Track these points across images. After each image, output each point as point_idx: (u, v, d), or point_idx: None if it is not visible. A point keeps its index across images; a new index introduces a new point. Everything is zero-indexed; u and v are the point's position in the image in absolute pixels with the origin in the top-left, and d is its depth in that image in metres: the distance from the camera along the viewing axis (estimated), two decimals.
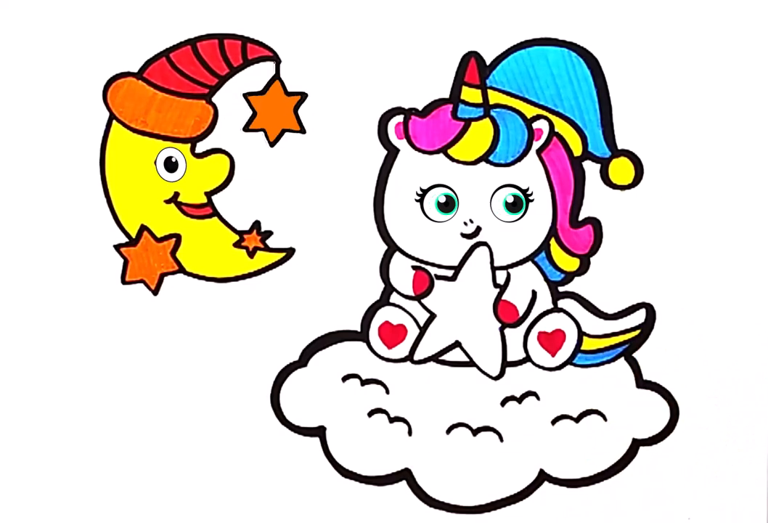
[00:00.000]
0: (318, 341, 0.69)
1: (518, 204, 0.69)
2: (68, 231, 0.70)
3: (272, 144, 0.69)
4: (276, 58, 0.69)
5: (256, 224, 0.70)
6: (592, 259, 0.69)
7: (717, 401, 0.69)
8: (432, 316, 0.69)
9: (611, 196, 0.69)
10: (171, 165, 0.70)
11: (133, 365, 0.70)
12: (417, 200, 0.69)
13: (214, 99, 0.70)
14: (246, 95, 0.69)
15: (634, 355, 0.69)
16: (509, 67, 0.68)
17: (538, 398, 0.69)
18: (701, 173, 0.68)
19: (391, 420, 0.69)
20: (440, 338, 0.69)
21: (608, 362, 0.69)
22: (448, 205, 0.69)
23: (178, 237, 0.70)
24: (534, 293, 0.69)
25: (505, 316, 0.69)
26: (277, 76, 0.69)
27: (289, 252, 0.70)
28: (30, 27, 0.70)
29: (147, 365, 0.70)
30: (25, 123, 0.70)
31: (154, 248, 0.70)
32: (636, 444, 0.69)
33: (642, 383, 0.69)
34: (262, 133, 0.69)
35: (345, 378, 0.70)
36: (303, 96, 0.69)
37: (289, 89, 0.69)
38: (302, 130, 0.69)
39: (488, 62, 0.69)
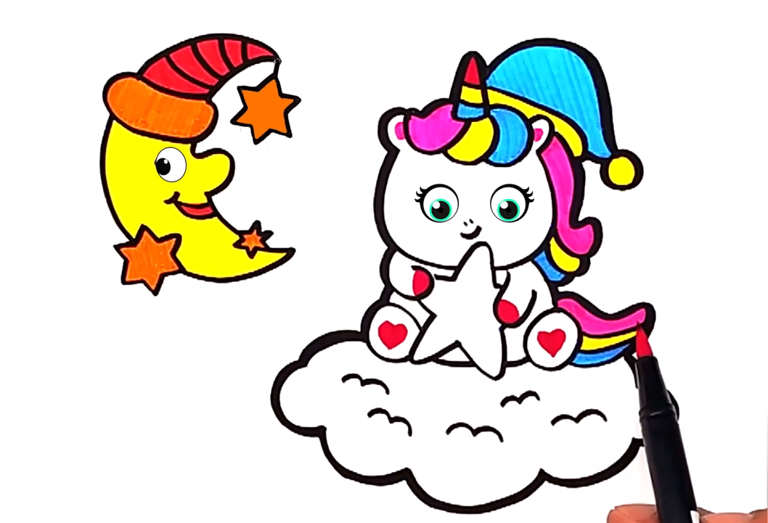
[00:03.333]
0: (318, 341, 0.69)
1: (512, 210, 0.69)
2: (68, 231, 0.70)
3: (256, 141, 0.69)
4: (276, 58, 0.69)
5: (256, 224, 0.70)
6: (592, 259, 0.69)
7: (717, 401, 0.69)
8: (432, 316, 0.69)
9: (611, 196, 0.69)
10: (163, 167, 0.70)
11: (133, 365, 0.70)
12: (417, 200, 0.69)
13: (215, 99, 0.70)
14: (240, 89, 0.69)
15: (634, 355, 0.69)
16: (509, 67, 0.68)
17: (538, 398, 0.69)
18: (701, 173, 0.68)
19: (391, 420, 0.69)
20: (440, 338, 0.69)
21: (608, 362, 0.69)
22: (442, 212, 0.69)
23: (178, 237, 0.70)
24: (534, 293, 0.69)
25: (505, 316, 0.69)
26: (274, 76, 0.69)
27: (289, 252, 0.70)
28: (30, 27, 0.70)
29: (147, 365, 0.70)
30: (26, 123, 0.70)
31: (154, 248, 0.70)
32: (636, 444, 0.69)
33: None
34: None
35: (345, 378, 0.70)
36: (296, 100, 0.69)
37: (285, 91, 0.69)
38: (288, 134, 0.69)
39: (488, 62, 0.69)
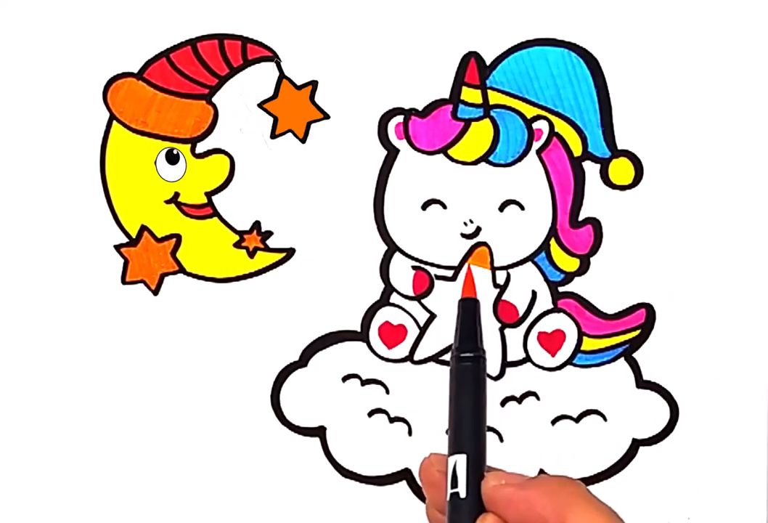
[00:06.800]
0: (318, 341, 0.69)
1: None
2: (68, 231, 0.70)
3: (303, 140, 0.69)
4: (276, 58, 0.69)
5: (256, 224, 0.70)
6: (592, 259, 0.69)
7: (717, 401, 0.69)
8: (432, 316, 0.69)
9: (611, 196, 0.69)
10: (172, 157, 0.70)
11: (133, 365, 0.70)
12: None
13: (214, 99, 0.70)
14: (261, 105, 0.69)
15: (634, 355, 0.69)
16: (509, 68, 0.69)
17: (538, 398, 0.69)
18: (701, 173, 0.68)
19: (391, 420, 0.69)
20: (440, 338, 0.69)
21: (608, 362, 0.69)
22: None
23: (178, 237, 0.70)
24: (534, 293, 0.69)
25: (505, 316, 0.69)
26: (282, 76, 0.69)
27: (289, 252, 0.70)
28: (30, 27, 0.70)
29: (147, 365, 0.70)
30: (26, 123, 0.70)
31: (155, 248, 0.70)
32: (636, 444, 0.69)
33: (642, 383, 0.69)
34: (260, 134, 0.69)
35: (345, 378, 0.70)
36: (314, 84, 0.69)
37: (297, 83, 0.69)
38: (326, 116, 0.69)
39: (488, 62, 0.69)
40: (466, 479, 0.48)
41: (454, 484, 0.49)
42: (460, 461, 0.49)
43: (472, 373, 0.52)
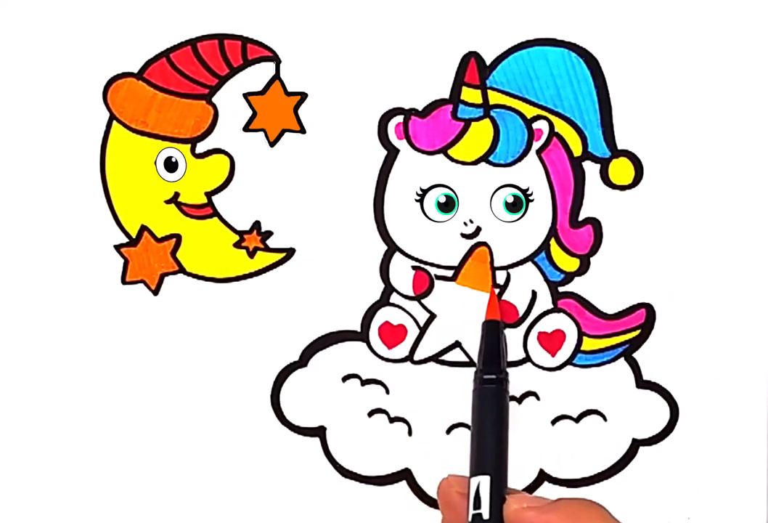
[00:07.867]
0: (318, 341, 0.69)
1: (518, 204, 0.69)
2: (68, 231, 0.70)
3: (272, 144, 0.69)
4: (276, 59, 0.69)
5: (256, 224, 0.70)
6: (592, 259, 0.69)
7: (717, 401, 0.69)
8: (432, 316, 0.69)
9: (611, 196, 0.69)
10: (171, 165, 0.70)
11: (133, 365, 0.70)
12: (417, 200, 0.69)
13: (214, 99, 0.70)
14: (246, 95, 0.69)
15: (634, 355, 0.69)
16: (509, 68, 0.69)
17: (538, 398, 0.69)
18: (701, 173, 0.68)
19: (391, 420, 0.69)
20: (440, 338, 0.69)
21: (608, 362, 0.69)
22: (448, 206, 0.69)
23: (178, 237, 0.70)
24: (534, 293, 0.69)
25: (505, 316, 0.69)
26: (277, 76, 0.69)
27: (289, 252, 0.70)
28: (30, 27, 0.70)
29: (147, 365, 0.70)
30: (26, 123, 0.70)
31: (155, 248, 0.70)
32: (636, 444, 0.69)
33: (642, 383, 0.69)
34: (261, 133, 0.70)
35: (345, 378, 0.70)
36: (303, 96, 0.69)
37: (289, 89, 0.69)
38: (302, 130, 0.69)
39: (488, 62, 0.69)
40: (489, 501, 0.49)
41: (477, 505, 0.49)
42: (484, 482, 0.49)
43: (495, 395, 0.52)
